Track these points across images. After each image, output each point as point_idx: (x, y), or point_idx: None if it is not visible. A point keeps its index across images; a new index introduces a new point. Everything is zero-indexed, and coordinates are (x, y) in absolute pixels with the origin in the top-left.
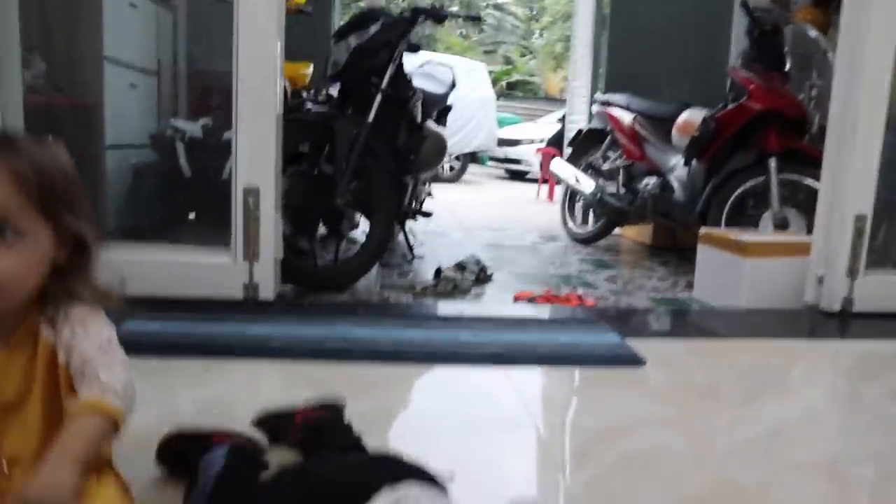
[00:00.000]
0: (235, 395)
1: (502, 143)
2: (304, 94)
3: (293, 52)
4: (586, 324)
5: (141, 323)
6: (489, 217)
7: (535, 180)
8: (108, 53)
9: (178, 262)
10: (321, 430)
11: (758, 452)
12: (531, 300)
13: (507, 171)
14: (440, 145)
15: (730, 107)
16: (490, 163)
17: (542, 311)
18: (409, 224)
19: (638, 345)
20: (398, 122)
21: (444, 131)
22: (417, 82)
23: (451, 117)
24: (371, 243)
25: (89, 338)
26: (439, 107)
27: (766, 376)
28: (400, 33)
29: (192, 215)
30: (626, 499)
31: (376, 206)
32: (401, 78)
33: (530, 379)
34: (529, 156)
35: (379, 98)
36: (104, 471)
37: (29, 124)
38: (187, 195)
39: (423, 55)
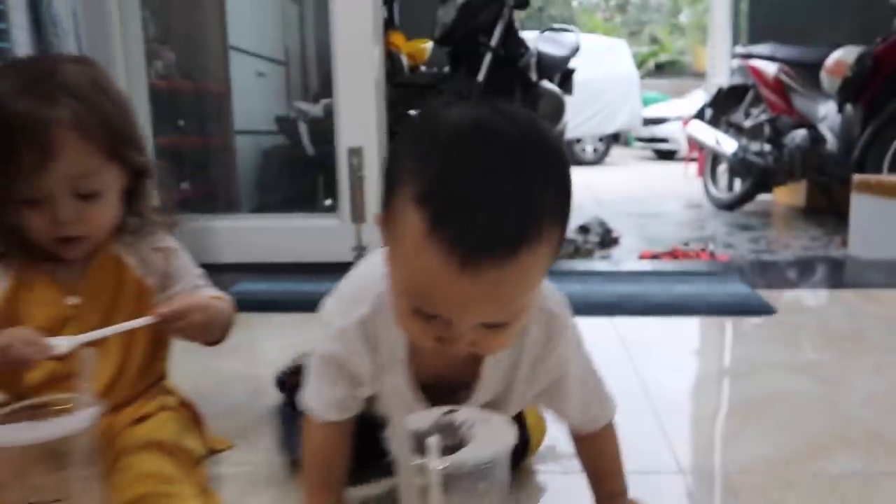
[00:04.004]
0: None
1: (648, 122)
2: (424, 70)
3: (415, 28)
4: (711, 275)
5: (250, 284)
6: (627, 191)
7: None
8: (234, 43)
9: (292, 229)
10: None
11: None
12: (655, 257)
13: (655, 150)
14: (557, 105)
15: (891, 39)
16: (636, 143)
17: (666, 266)
18: None
19: (772, 296)
20: (511, 80)
21: (568, 106)
22: (536, 45)
23: (589, 96)
24: None
25: (188, 269)
26: (560, 69)
27: None
28: None
29: (328, 202)
30: (731, 446)
31: None
32: (511, 36)
33: (634, 327)
34: (677, 133)
35: (489, 57)
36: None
37: (158, 109)
38: (311, 172)
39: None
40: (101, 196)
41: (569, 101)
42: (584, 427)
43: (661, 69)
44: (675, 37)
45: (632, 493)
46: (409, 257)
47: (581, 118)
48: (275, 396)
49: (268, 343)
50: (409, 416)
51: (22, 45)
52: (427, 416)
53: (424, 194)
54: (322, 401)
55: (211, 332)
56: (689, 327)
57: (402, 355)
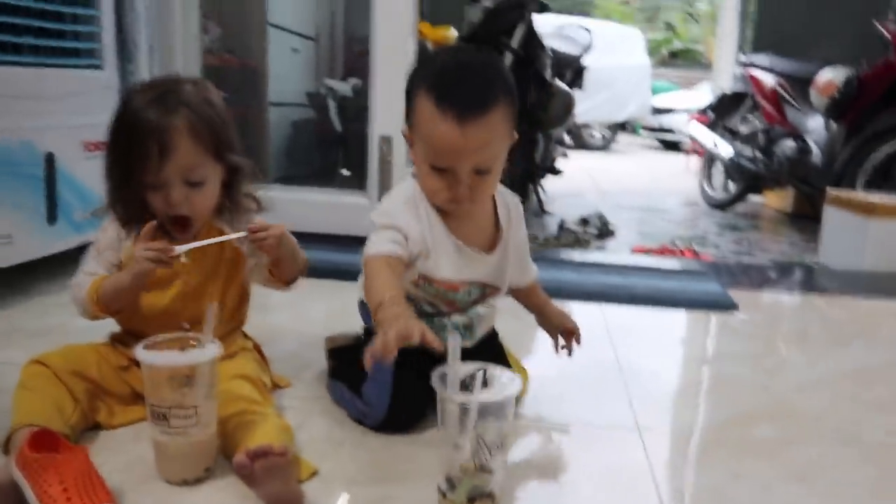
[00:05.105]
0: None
1: (656, 111)
2: None
3: (439, 17)
4: (691, 273)
5: None
6: (629, 183)
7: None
8: (272, 20)
9: (323, 203)
10: None
11: (825, 388)
12: (646, 252)
13: (661, 140)
14: (567, 103)
15: (877, 65)
16: (643, 132)
17: (652, 262)
18: (541, 181)
19: (738, 295)
20: (527, 80)
21: (579, 93)
22: (551, 43)
23: (601, 84)
24: None
25: None
26: (573, 67)
27: (859, 329)
28: None
29: (345, 171)
30: (680, 412)
31: (506, 160)
32: (531, 37)
33: (619, 314)
34: (684, 125)
35: (508, 57)
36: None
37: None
38: (337, 147)
39: (567, 19)
40: (204, 185)
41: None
42: (523, 281)
43: (674, 56)
44: (689, 24)
45: (595, 444)
46: (425, 130)
47: (590, 104)
48: (319, 349)
49: (308, 303)
50: (453, 365)
51: (108, 26)
52: (465, 367)
53: (431, 86)
54: (380, 243)
55: (289, 264)
56: (663, 317)
57: (440, 221)
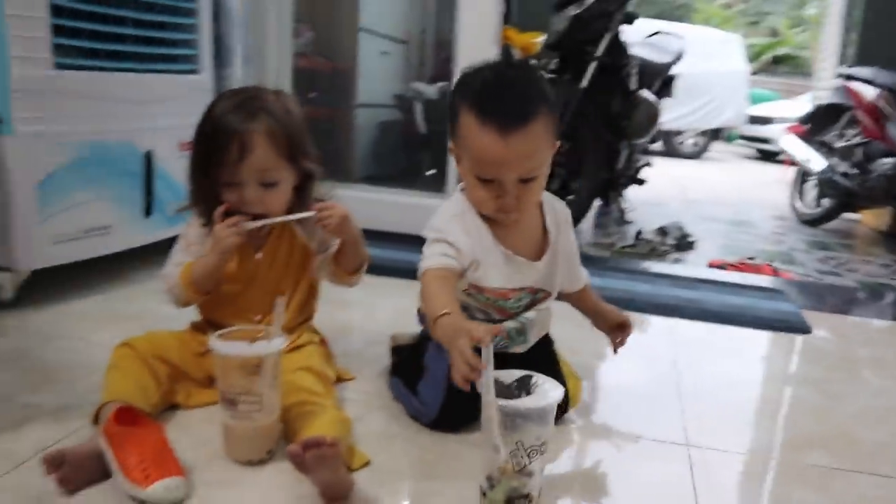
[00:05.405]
0: None
1: (753, 120)
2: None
3: (527, 23)
4: (766, 291)
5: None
6: (718, 193)
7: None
8: (364, 24)
9: (404, 204)
10: None
11: (890, 419)
12: (722, 267)
13: (758, 150)
14: (652, 113)
15: None
16: (739, 141)
17: (727, 277)
18: (624, 190)
19: (816, 317)
20: (612, 89)
21: (668, 101)
22: (640, 51)
23: (695, 91)
24: (575, 202)
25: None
26: (661, 76)
27: None
28: (618, 4)
29: (430, 172)
30: (733, 432)
31: (583, 168)
32: (616, 46)
33: (686, 329)
34: (781, 135)
35: (593, 66)
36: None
37: (297, 84)
38: (421, 148)
39: (660, 25)
40: (277, 186)
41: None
42: (574, 287)
43: (778, 62)
44: (797, 31)
45: (642, 457)
46: (470, 143)
47: (684, 111)
48: (385, 346)
49: (378, 301)
50: (497, 372)
51: (205, 33)
52: (511, 374)
53: (474, 101)
54: (433, 257)
55: (352, 250)
56: (730, 335)
57: (488, 232)
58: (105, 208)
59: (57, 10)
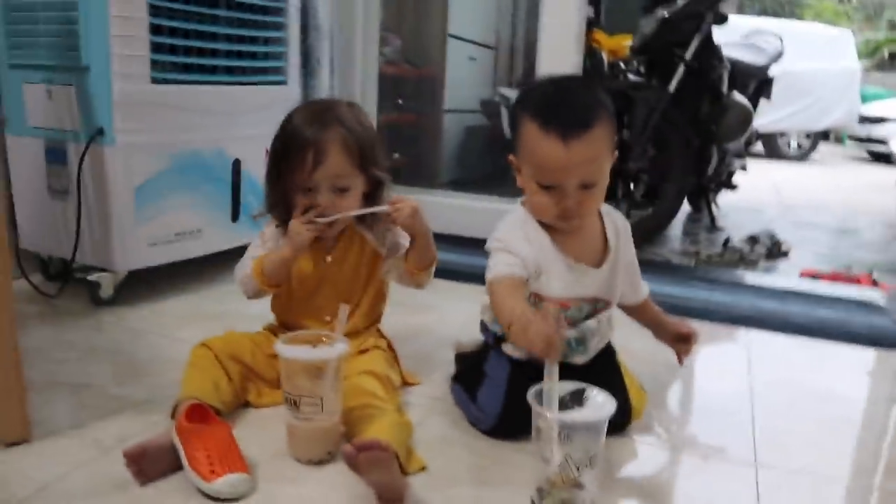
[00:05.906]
0: None
1: (865, 120)
2: (623, 66)
3: (616, 25)
4: (860, 304)
5: (440, 253)
6: (821, 198)
7: None
8: (452, 31)
9: (485, 210)
10: None
11: None
12: (815, 277)
13: (870, 152)
14: (743, 116)
15: None
16: (849, 142)
17: (819, 288)
18: (715, 196)
19: None
20: (700, 92)
21: (767, 103)
22: (735, 52)
23: (800, 90)
24: (660, 208)
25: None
26: (757, 78)
27: None
28: (709, 4)
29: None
30: (805, 453)
31: (670, 173)
32: (707, 49)
33: (766, 342)
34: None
35: (681, 69)
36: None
37: (384, 90)
38: (506, 153)
39: (758, 23)
40: (348, 192)
41: (775, 92)
42: (635, 299)
43: (895, 58)
44: None
45: (704, 475)
46: (532, 151)
47: (788, 111)
48: (452, 351)
49: (452, 304)
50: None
51: (293, 46)
52: (565, 385)
53: (536, 112)
54: (498, 266)
55: (423, 245)
56: (815, 349)
57: (549, 241)
58: (196, 213)
59: (155, 29)
